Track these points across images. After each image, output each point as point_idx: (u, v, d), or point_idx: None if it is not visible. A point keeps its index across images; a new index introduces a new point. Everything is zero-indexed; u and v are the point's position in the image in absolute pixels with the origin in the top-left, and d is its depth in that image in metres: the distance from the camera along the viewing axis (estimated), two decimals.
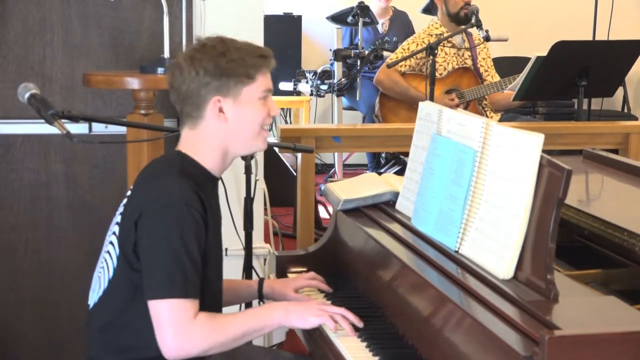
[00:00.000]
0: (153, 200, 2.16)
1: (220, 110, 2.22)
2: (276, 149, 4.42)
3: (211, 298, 2.25)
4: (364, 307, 2.41)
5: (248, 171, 2.91)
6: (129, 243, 2.17)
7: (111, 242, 2.24)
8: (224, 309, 2.40)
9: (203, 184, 2.23)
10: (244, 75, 2.21)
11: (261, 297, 2.56)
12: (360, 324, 2.23)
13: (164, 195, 2.15)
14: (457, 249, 2.16)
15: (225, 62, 2.20)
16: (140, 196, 2.22)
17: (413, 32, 6.16)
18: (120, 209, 2.26)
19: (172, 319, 2.10)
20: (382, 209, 2.62)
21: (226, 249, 3.60)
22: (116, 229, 2.23)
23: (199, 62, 2.19)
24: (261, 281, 2.56)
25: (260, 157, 3.41)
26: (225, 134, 2.24)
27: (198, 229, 2.15)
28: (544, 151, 1.94)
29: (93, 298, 2.29)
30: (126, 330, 2.22)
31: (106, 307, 2.24)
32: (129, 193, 2.27)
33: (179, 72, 2.22)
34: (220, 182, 3.25)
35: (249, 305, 2.83)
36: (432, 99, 4.35)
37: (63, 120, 2.63)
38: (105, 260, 2.25)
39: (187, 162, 2.25)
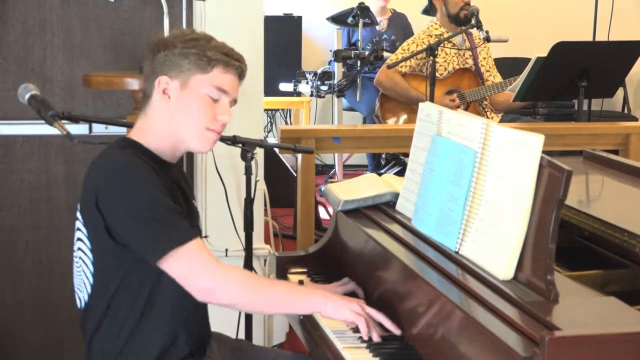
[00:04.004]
0: (102, 176, 2.14)
1: (165, 92, 2.20)
2: (276, 149, 4.42)
3: None
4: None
5: (248, 172, 2.91)
6: (98, 228, 2.13)
7: (79, 239, 2.22)
8: None
9: (150, 163, 2.20)
10: (197, 64, 2.18)
11: None
12: (397, 332, 2.18)
13: (110, 166, 2.14)
14: (457, 250, 2.16)
15: (190, 47, 2.19)
16: (89, 180, 2.19)
17: (412, 34, 6.17)
18: (78, 205, 2.24)
19: (192, 263, 2.07)
20: (382, 210, 2.61)
21: (226, 250, 3.64)
22: (78, 224, 2.21)
23: (166, 41, 2.21)
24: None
25: (260, 158, 3.41)
26: (166, 118, 2.21)
27: (156, 180, 2.13)
28: (544, 152, 1.94)
29: (83, 297, 2.26)
30: (122, 323, 2.19)
31: (98, 300, 2.21)
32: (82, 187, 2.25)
33: (149, 50, 2.23)
34: (220, 183, 3.27)
35: None
36: (432, 99, 4.36)
37: (63, 121, 2.63)
38: (81, 257, 2.22)
39: (132, 145, 2.23)
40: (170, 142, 2.24)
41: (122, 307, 2.19)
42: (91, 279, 2.21)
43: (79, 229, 2.22)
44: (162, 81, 2.19)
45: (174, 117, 2.21)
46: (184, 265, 2.08)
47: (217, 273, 2.09)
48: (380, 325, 2.20)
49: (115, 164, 2.14)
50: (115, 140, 2.28)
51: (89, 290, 2.23)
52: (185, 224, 2.12)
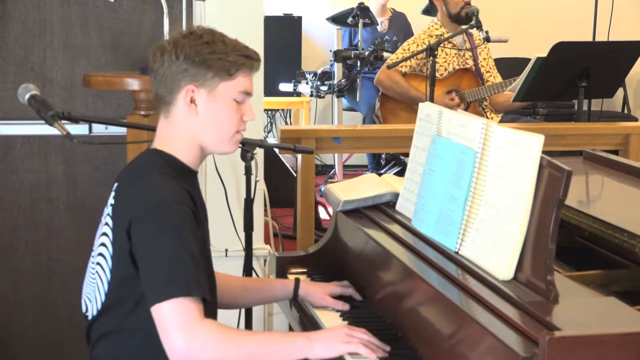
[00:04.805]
0: (140, 205, 2.09)
1: (192, 100, 2.16)
2: (276, 150, 4.42)
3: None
4: (363, 307, 2.41)
5: (248, 172, 2.91)
6: (123, 252, 2.10)
7: (101, 254, 2.18)
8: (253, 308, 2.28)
9: (184, 178, 2.18)
10: (223, 70, 2.15)
11: (295, 297, 2.50)
12: (387, 348, 2.12)
13: (150, 197, 2.09)
14: (457, 250, 2.15)
15: (208, 53, 2.14)
16: (125, 204, 2.15)
17: (412, 34, 6.17)
18: (106, 219, 2.19)
19: (176, 319, 1.99)
20: (382, 210, 2.61)
21: (226, 250, 3.64)
22: (105, 240, 2.17)
23: (182, 47, 2.15)
24: (297, 280, 2.52)
25: (260, 158, 3.41)
26: (196, 127, 2.18)
27: (192, 224, 2.09)
28: (544, 152, 1.94)
29: (91, 309, 2.22)
30: (129, 341, 2.15)
31: (107, 318, 2.17)
32: (112, 202, 2.20)
33: (160, 54, 2.17)
34: (220, 182, 3.27)
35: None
36: (432, 99, 4.36)
37: (63, 121, 2.63)
38: (98, 272, 2.18)
39: (164, 159, 2.19)
40: (199, 149, 2.22)
41: (131, 328, 2.15)
42: (103, 297, 2.17)
43: (103, 245, 2.17)
44: (188, 91, 2.16)
45: (204, 126, 2.18)
46: (168, 317, 2.00)
47: (190, 332, 1.99)
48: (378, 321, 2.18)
49: (157, 198, 2.08)
50: (149, 154, 2.23)
51: (99, 306, 2.19)
52: (198, 278, 2.05)
